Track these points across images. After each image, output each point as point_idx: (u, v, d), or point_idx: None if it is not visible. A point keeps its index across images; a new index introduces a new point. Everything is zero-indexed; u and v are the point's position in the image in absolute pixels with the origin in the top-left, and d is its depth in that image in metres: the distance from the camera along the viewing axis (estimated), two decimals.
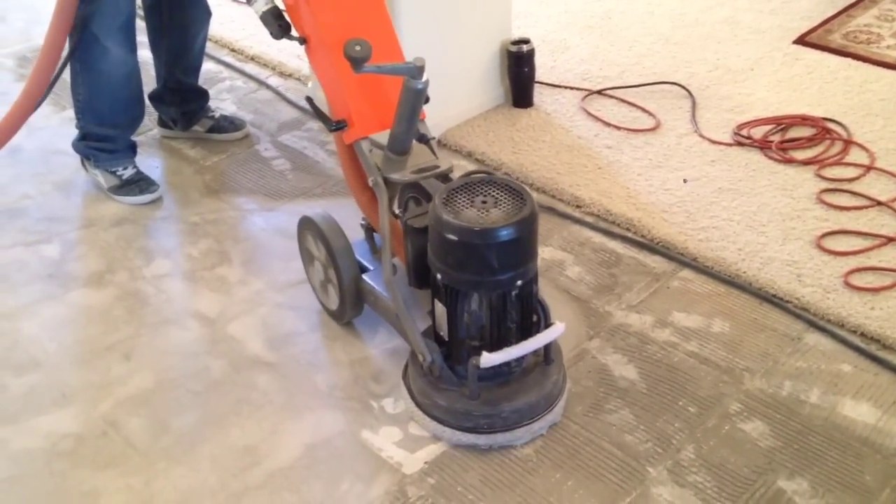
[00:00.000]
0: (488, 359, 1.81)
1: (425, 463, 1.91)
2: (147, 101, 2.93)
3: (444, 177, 1.98)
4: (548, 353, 1.95)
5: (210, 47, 3.57)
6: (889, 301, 2.22)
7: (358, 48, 1.79)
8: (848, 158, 2.76)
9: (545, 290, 2.32)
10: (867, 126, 2.90)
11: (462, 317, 1.86)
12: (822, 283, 2.29)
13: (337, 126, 2.00)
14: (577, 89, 3.18)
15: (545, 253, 2.47)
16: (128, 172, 2.75)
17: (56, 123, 3.13)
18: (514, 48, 3.03)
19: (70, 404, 2.09)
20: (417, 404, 1.98)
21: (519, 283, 1.82)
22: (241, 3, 2.08)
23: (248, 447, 1.96)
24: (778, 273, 2.33)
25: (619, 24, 3.61)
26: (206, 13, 2.84)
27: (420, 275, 1.95)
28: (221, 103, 3.22)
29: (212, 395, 2.09)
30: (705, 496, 1.81)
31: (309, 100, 2.13)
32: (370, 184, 1.98)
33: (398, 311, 1.95)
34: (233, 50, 3.60)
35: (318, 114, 2.07)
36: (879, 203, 2.55)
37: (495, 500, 1.82)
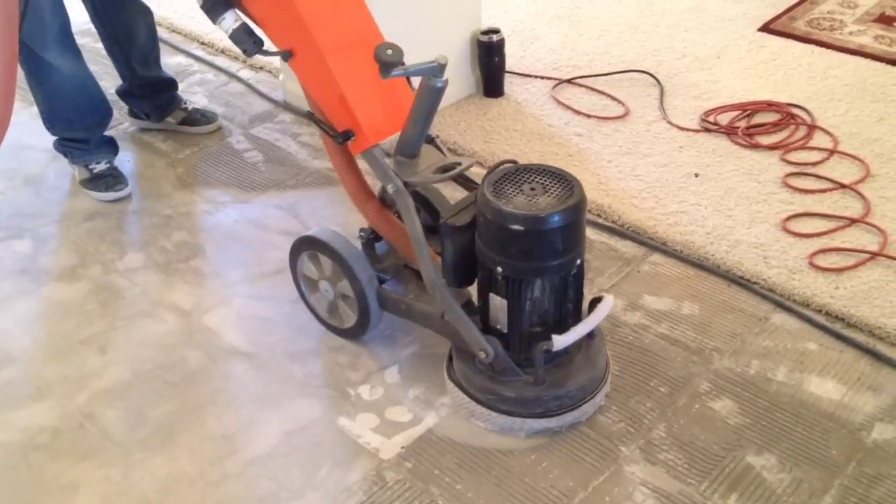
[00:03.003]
0: (560, 341, 1.81)
1: (402, 448, 1.93)
2: (117, 97, 2.95)
3: (465, 175, 1.93)
4: (591, 331, 1.95)
5: (180, 41, 3.57)
6: (853, 281, 2.27)
7: (390, 52, 1.71)
8: (812, 143, 2.81)
9: None
10: (831, 111, 2.95)
11: (525, 306, 1.84)
12: (787, 264, 2.34)
13: (344, 138, 1.91)
14: (548, 78, 3.21)
15: None
16: (100, 167, 2.75)
17: (25, 119, 3.10)
18: (484, 38, 3.05)
19: (46, 398, 2.09)
20: (480, 402, 1.94)
21: (577, 262, 1.84)
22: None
23: (226, 436, 1.98)
24: (745, 255, 2.37)
25: (587, 14, 3.64)
26: (142, 8, 2.84)
27: (461, 272, 1.90)
28: (192, 96, 3.21)
29: (188, 386, 2.10)
30: (676, 473, 1.85)
31: (310, 114, 2.01)
32: (390, 191, 1.89)
33: (451, 313, 1.90)
34: (203, 43, 3.59)
35: (322, 128, 1.96)
36: (843, 186, 2.61)
37: (472, 483, 1.85)
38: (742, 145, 2.81)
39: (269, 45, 1.95)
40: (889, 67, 3.17)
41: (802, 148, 2.79)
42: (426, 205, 2.13)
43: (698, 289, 2.31)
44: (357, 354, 2.16)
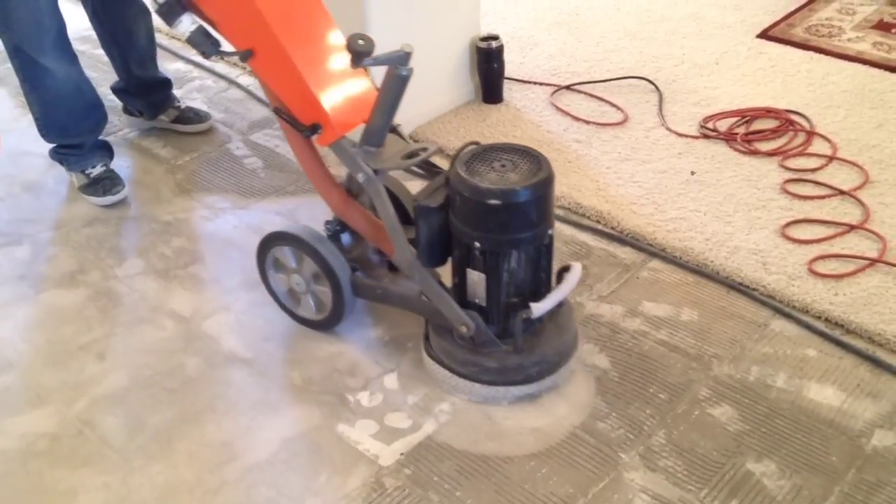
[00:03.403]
0: (538, 308, 1.90)
1: (401, 454, 1.93)
2: (112, 98, 2.97)
3: (428, 161, 2.00)
4: None
5: (179, 47, 3.57)
6: (852, 287, 2.27)
7: (362, 42, 1.77)
8: (811, 149, 2.81)
9: None
10: (829, 117, 2.96)
11: (503, 278, 1.92)
12: (787, 270, 2.34)
13: (311, 131, 1.95)
14: (547, 85, 3.21)
15: None
16: (96, 171, 2.75)
17: (25, 125, 3.10)
18: (483, 44, 3.06)
19: (45, 404, 2.08)
20: (462, 375, 2.02)
21: (549, 232, 1.93)
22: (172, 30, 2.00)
23: (225, 443, 1.97)
24: (744, 262, 2.37)
25: (586, 21, 3.65)
26: (142, 9, 2.86)
27: (436, 252, 1.97)
28: (192, 102, 3.22)
29: (187, 393, 2.10)
30: (676, 480, 1.85)
31: (276, 110, 2.04)
32: (360, 180, 1.94)
33: (430, 291, 1.97)
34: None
35: (289, 123, 2.00)
36: (842, 192, 2.61)
37: (471, 489, 1.85)
38: (741, 152, 2.82)
39: (226, 45, 1.98)
40: (887, 74, 3.18)
41: (801, 154, 2.79)
42: (389, 196, 2.13)
43: (697, 295, 2.31)
44: (356, 361, 2.16)
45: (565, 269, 2.02)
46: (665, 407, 2.01)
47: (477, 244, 1.88)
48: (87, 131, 2.74)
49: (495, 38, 3.07)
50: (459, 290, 1.99)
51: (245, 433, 1.99)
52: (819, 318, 2.21)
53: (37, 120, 2.70)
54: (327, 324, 2.22)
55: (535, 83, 3.23)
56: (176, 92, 3.14)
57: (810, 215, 2.53)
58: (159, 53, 3.51)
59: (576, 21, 3.65)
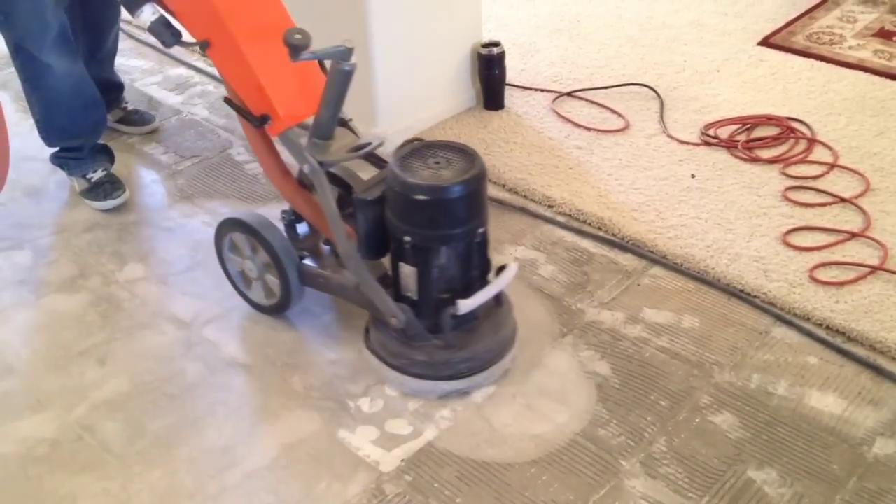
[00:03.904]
0: (465, 304, 1.93)
1: (402, 461, 1.92)
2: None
3: (374, 154, 2.04)
4: (498, 297, 2.08)
5: (181, 52, 3.58)
6: (853, 295, 2.27)
7: (298, 36, 1.82)
8: (812, 157, 2.81)
9: (518, 289, 2.35)
10: (830, 125, 2.96)
11: (433, 273, 1.96)
12: (788, 278, 2.34)
13: (261, 122, 2.01)
14: (548, 91, 3.21)
15: (518, 252, 2.50)
16: (97, 175, 2.75)
17: (26, 130, 3.10)
18: (484, 51, 3.06)
19: (45, 409, 2.08)
20: (394, 367, 2.05)
21: (480, 230, 1.96)
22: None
23: (225, 448, 1.97)
24: (745, 269, 2.37)
25: (587, 28, 3.65)
26: (117, 12, 2.91)
27: (374, 245, 2.01)
28: (193, 108, 3.22)
29: (188, 398, 2.10)
30: (677, 487, 1.84)
31: (227, 100, 2.11)
32: (305, 171, 2.00)
33: (364, 282, 2.01)
34: (203, 55, 3.59)
35: (241, 113, 2.07)
36: (843, 199, 2.61)
37: (472, 496, 1.85)
38: (742, 159, 2.82)
39: (187, 36, 2.04)
40: (888, 82, 3.18)
41: (802, 162, 2.79)
42: (344, 186, 2.15)
43: (699, 302, 2.31)
44: (357, 366, 2.16)
45: (503, 268, 2.06)
46: (666, 414, 2.00)
47: (407, 238, 1.92)
48: (86, 132, 2.74)
49: (497, 44, 3.08)
50: (395, 283, 2.03)
51: (245, 439, 1.99)
52: (820, 325, 2.20)
53: (37, 122, 2.71)
54: (276, 310, 2.27)
55: (537, 90, 3.23)
56: (178, 97, 3.15)
57: (811, 223, 2.53)
58: (161, 59, 3.52)
59: (577, 28, 3.65)
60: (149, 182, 2.88)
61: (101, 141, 2.84)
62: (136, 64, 3.53)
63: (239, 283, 2.33)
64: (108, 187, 2.74)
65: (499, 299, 2.08)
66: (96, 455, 1.97)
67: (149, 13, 2.03)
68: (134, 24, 3.76)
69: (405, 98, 2.95)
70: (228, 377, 2.15)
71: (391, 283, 2.05)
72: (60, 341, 2.27)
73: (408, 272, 1.98)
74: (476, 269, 2.01)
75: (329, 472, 1.91)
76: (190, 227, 2.66)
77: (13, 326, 2.32)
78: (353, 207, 1.99)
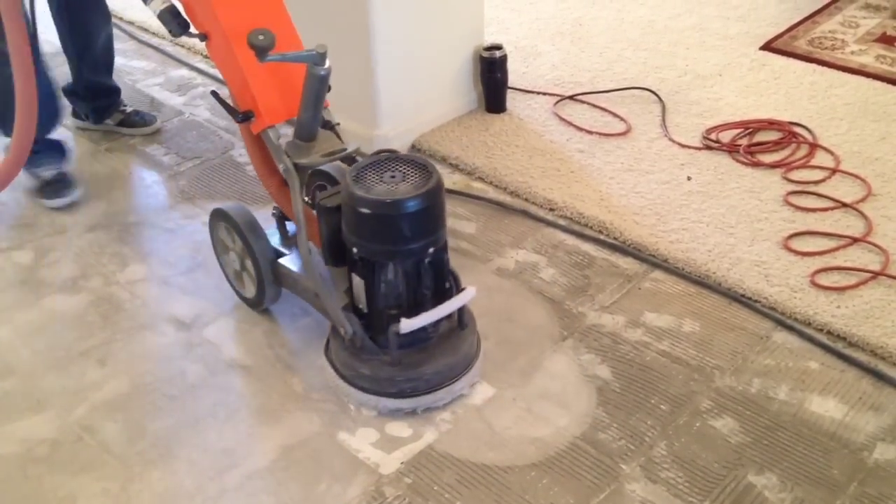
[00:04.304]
0: (407, 324, 1.91)
1: (402, 463, 1.92)
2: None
3: (352, 159, 2.04)
4: (462, 319, 2.06)
5: (183, 54, 3.58)
6: (854, 300, 2.27)
7: (261, 37, 1.84)
8: (814, 161, 2.81)
9: (519, 292, 2.36)
10: (832, 130, 2.96)
11: (380, 287, 1.95)
12: (789, 282, 2.33)
13: (244, 117, 2.03)
14: (550, 94, 3.21)
15: (519, 255, 2.50)
16: (49, 173, 2.74)
17: None
18: (486, 54, 3.07)
19: (45, 410, 2.08)
20: (342, 377, 2.05)
21: (430, 250, 1.93)
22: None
23: (225, 450, 1.97)
24: (746, 273, 2.37)
25: (589, 31, 3.65)
26: (105, 17, 2.91)
27: (335, 253, 2.01)
28: (195, 109, 3.23)
29: (188, 399, 2.10)
30: (677, 491, 1.84)
31: (214, 94, 2.15)
32: (280, 170, 2.03)
33: (317, 289, 2.02)
34: (205, 56, 3.60)
35: (224, 106, 2.10)
36: (844, 204, 2.61)
37: (471, 499, 1.84)
38: (744, 163, 2.82)
39: (193, 29, 2.07)
40: (890, 87, 3.18)
41: (804, 166, 2.79)
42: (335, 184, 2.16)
43: (699, 306, 2.30)
44: None
45: (461, 290, 2.01)
46: (666, 418, 2.00)
47: (354, 250, 1.93)
48: (39, 124, 2.71)
49: (499, 47, 3.08)
50: (349, 294, 2.03)
51: (245, 440, 1.99)
52: (821, 330, 2.20)
53: None
54: (254, 303, 2.30)
55: (539, 93, 3.23)
56: (180, 98, 3.15)
57: (813, 227, 2.52)
58: (163, 60, 3.53)
59: (579, 31, 3.65)
60: (150, 183, 2.88)
61: (58, 139, 2.82)
62: (138, 65, 3.54)
63: (234, 282, 2.35)
64: (59, 185, 2.73)
65: (462, 321, 2.05)
66: (96, 456, 1.96)
67: (159, 1, 2.05)
68: (136, 26, 3.77)
69: (407, 100, 2.95)
70: (229, 378, 2.15)
71: (349, 300, 2.05)
72: (61, 342, 2.27)
73: (358, 283, 1.98)
74: (427, 289, 1.97)
75: (329, 474, 1.90)
76: (191, 228, 2.66)
77: (14, 326, 2.32)
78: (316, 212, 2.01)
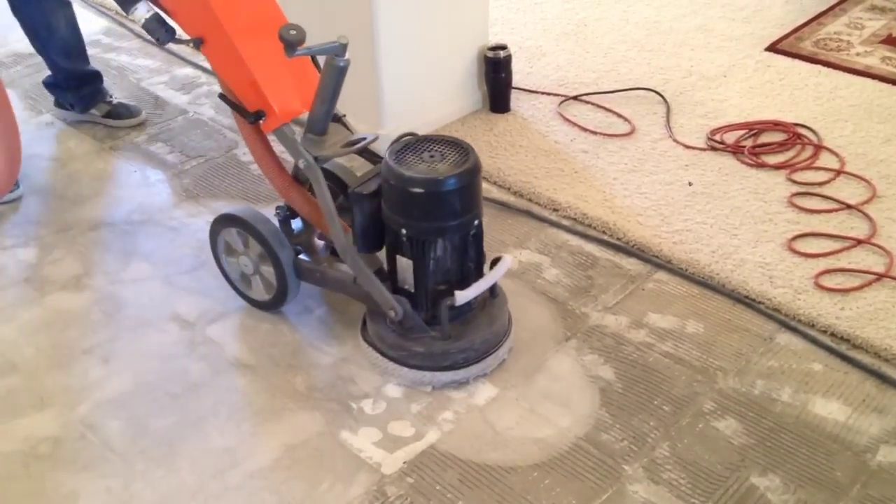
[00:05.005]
0: (462, 296, 1.96)
1: (404, 463, 1.92)
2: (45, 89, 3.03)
3: (368, 149, 2.07)
4: (493, 289, 2.12)
5: (188, 52, 3.58)
6: (858, 302, 2.26)
7: (293, 32, 1.84)
8: (818, 163, 2.81)
9: (522, 293, 2.35)
10: (837, 131, 2.95)
11: (429, 265, 1.99)
12: (793, 284, 2.33)
13: (255, 118, 2.03)
14: (554, 95, 3.21)
15: (523, 255, 2.50)
16: None
17: (32, 128, 3.12)
18: (491, 54, 3.06)
19: (48, 407, 2.08)
20: (392, 359, 2.08)
21: (476, 222, 2.00)
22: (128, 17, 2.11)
23: (228, 448, 1.97)
24: (750, 275, 2.37)
25: (594, 32, 3.65)
26: (60, 1, 2.88)
27: (370, 238, 2.03)
28: (200, 108, 3.23)
29: (191, 398, 2.10)
30: (680, 493, 1.84)
31: (222, 96, 2.13)
32: (301, 166, 2.02)
33: (361, 275, 2.03)
34: (198, 50, 3.60)
35: (234, 108, 2.10)
36: (849, 206, 2.60)
37: (474, 499, 1.84)
38: (748, 164, 2.81)
39: (181, 33, 2.07)
40: (895, 89, 3.18)
41: (809, 168, 2.78)
42: (338, 183, 2.16)
43: (703, 307, 2.30)
44: (360, 368, 2.15)
45: (498, 260, 2.09)
46: (669, 419, 2.00)
47: (404, 231, 1.95)
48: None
49: (503, 47, 3.08)
50: (391, 276, 2.07)
51: (248, 439, 1.99)
52: (825, 332, 2.20)
53: None
54: (273, 304, 2.29)
55: (543, 93, 3.23)
56: (184, 97, 3.15)
57: (817, 229, 2.52)
58: (168, 58, 3.53)
59: (584, 32, 3.65)
60: (154, 181, 2.88)
61: None
62: (142, 63, 3.54)
63: (240, 285, 2.34)
64: None
65: (493, 291, 2.12)
66: (99, 453, 1.97)
67: (143, 10, 2.05)
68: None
69: (411, 100, 2.95)
70: (231, 377, 2.15)
71: (387, 277, 2.08)
72: (64, 339, 2.27)
73: (405, 265, 2.01)
74: (472, 262, 2.05)
75: (331, 474, 1.90)
76: (195, 226, 2.66)
77: (17, 324, 2.33)
78: (349, 202, 2.02)
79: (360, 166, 2.13)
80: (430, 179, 1.90)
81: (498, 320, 2.11)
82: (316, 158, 2.00)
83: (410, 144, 1.99)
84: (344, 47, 1.88)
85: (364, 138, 2.04)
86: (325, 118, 2.01)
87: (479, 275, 2.07)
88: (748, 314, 2.27)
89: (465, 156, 1.95)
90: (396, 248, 2.02)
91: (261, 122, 2.04)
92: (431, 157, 1.95)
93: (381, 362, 2.10)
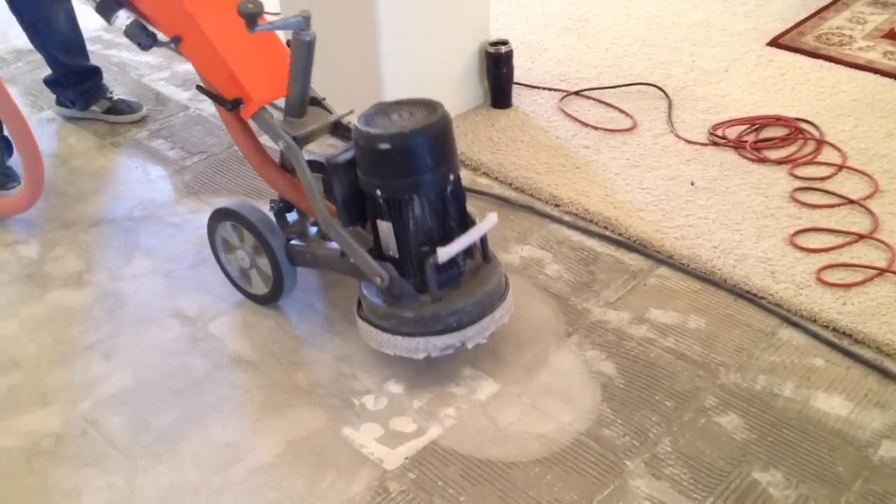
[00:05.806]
0: (444, 252, 1.94)
1: (406, 458, 1.92)
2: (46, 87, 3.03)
3: (343, 125, 2.11)
4: (486, 252, 2.10)
5: None
6: (860, 297, 2.26)
7: (251, 5, 1.85)
8: (820, 158, 2.80)
9: (524, 288, 2.35)
10: (839, 126, 2.95)
11: (409, 225, 1.98)
12: (795, 279, 2.33)
13: (233, 105, 2.05)
14: (555, 90, 3.21)
15: (524, 251, 2.50)
16: None
17: (33, 124, 3.10)
18: (492, 49, 3.06)
19: (50, 404, 2.08)
20: (385, 329, 2.04)
21: (451, 177, 1.98)
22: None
23: (230, 444, 1.97)
24: (752, 270, 2.37)
25: (595, 27, 3.64)
26: None
27: (352, 210, 2.04)
28: (201, 104, 3.22)
29: (192, 394, 2.10)
30: (682, 488, 1.84)
31: (200, 87, 2.16)
32: (280, 147, 2.04)
33: (345, 246, 2.03)
34: (177, 52, 3.60)
35: (211, 97, 2.13)
36: (851, 201, 2.60)
37: (475, 495, 1.84)
38: (750, 159, 2.81)
39: (162, 37, 2.11)
40: None
41: (811, 163, 2.78)
42: (320, 169, 2.16)
43: (705, 303, 2.30)
44: (362, 364, 2.16)
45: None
46: (671, 414, 2.00)
47: (378, 192, 1.95)
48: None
49: (505, 43, 3.07)
50: (376, 244, 2.05)
51: (250, 435, 1.99)
52: (827, 327, 2.20)
53: None
54: (272, 296, 2.28)
55: (544, 88, 3.22)
56: (185, 93, 3.15)
57: (819, 224, 2.52)
58: (169, 55, 3.53)
59: (585, 27, 3.65)
60: (156, 178, 2.88)
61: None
62: (144, 59, 3.54)
63: (240, 282, 2.35)
64: (2, 178, 2.73)
65: (487, 256, 2.10)
66: (101, 449, 1.97)
67: (123, 18, 2.09)
68: None
69: (413, 96, 2.93)
70: (233, 373, 2.15)
71: (379, 256, 2.07)
72: (66, 336, 2.28)
73: (385, 229, 2.00)
74: (453, 220, 2.02)
75: (333, 470, 1.90)
76: (196, 222, 2.66)
77: (19, 320, 2.33)
78: (328, 175, 2.02)
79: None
80: (397, 134, 1.90)
81: (490, 282, 2.06)
82: (295, 139, 2.02)
83: (380, 108, 2.00)
84: (307, 20, 1.89)
85: (339, 116, 2.07)
86: (301, 98, 2.03)
87: (464, 233, 2.03)
88: (750, 309, 2.27)
89: (433, 111, 1.95)
90: (376, 213, 2.01)
91: (239, 109, 2.07)
92: (400, 116, 1.96)
93: (374, 335, 2.07)
